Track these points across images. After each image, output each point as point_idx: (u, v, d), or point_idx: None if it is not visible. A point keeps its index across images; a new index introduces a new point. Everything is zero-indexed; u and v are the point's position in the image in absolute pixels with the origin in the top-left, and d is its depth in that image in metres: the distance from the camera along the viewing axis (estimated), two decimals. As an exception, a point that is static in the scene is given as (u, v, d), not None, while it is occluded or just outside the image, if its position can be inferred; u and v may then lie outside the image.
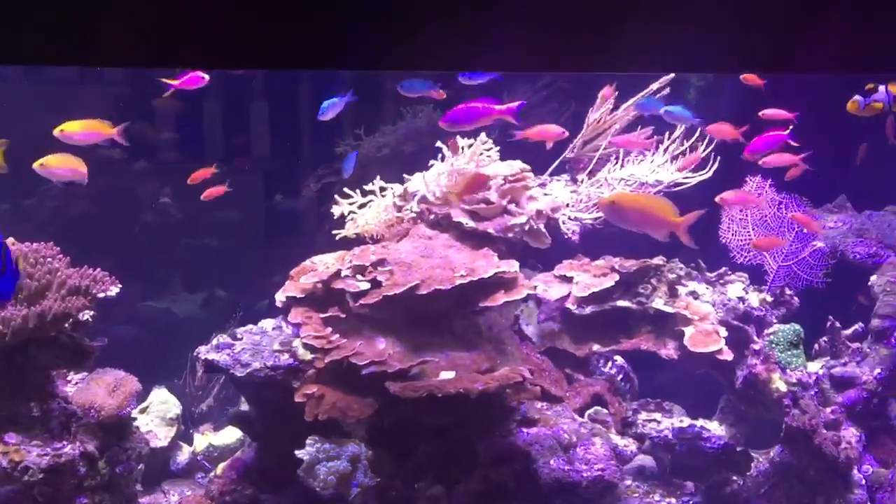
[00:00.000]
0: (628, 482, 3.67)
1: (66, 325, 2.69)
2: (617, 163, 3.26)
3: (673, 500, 3.58)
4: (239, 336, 2.85)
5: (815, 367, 3.14)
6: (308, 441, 3.20)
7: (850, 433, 3.01)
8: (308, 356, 2.72)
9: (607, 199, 2.50)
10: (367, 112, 4.92)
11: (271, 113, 5.04)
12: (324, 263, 3.03)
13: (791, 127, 2.98)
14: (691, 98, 4.40)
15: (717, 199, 2.91)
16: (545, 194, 3.29)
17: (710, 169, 3.20)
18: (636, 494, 3.63)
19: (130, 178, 4.83)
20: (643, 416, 3.51)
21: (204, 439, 3.37)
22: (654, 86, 3.27)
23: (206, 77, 3.20)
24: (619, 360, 3.64)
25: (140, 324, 4.65)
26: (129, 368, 3.48)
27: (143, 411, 3.38)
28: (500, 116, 2.88)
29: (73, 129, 2.78)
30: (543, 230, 3.21)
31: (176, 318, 4.72)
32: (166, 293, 4.87)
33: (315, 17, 1.58)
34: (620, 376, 3.62)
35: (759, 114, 3.01)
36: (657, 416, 3.54)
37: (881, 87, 2.61)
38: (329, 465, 3.19)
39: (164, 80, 3.20)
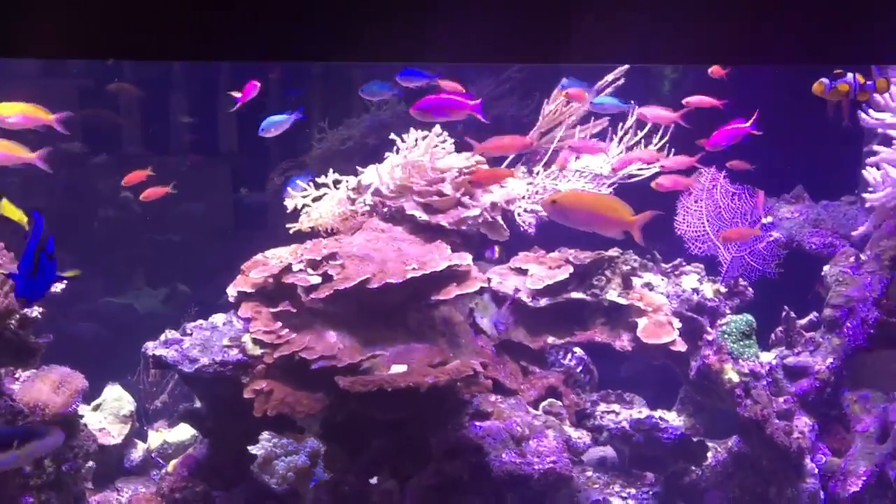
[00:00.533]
0: (589, 473, 3.68)
1: (12, 322, 2.65)
2: (572, 154, 3.25)
3: (633, 490, 3.59)
4: (188, 331, 2.82)
5: (770, 357, 3.15)
6: (265, 436, 3.18)
7: (803, 423, 3.02)
8: (257, 351, 2.70)
9: (548, 199, 2.41)
10: (333, 105, 4.90)
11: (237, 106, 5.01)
12: (277, 257, 3.00)
13: (752, 119, 2.98)
14: (666, 91, 4.40)
15: (653, 184, 2.92)
16: (501, 186, 3.27)
17: (663, 160, 3.20)
18: (596, 486, 3.64)
19: (91, 173, 4.78)
20: (602, 407, 3.52)
21: (158, 436, 3.34)
22: (610, 77, 3.27)
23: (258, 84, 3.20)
24: (579, 351, 3.65)
25: (100, 320, 4.60)
26: (87, 365, 3.43)
27: (96, 409, 3.34)
28: (470, 112, 2.88)
29: (5, 111, 2.71)
30: (501, 222, 3.20)
31: (137, 313, 4.68)
32: (128, 289, 4.83)
33: (265, 9, 1.57)
34: (580, 368, 3.63)
35: (683, 101, 3.02)
36: (616, 407, 3.55)
37: (849, 74, 2.62)
38: (287, 460, 3.17)
39: (232, 93, 3.19)
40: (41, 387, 2.67)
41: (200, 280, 4.73)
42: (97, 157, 4.81)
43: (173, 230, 4.93)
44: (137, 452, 3.34)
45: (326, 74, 5.00)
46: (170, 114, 5.01)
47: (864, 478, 2.92)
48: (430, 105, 2.84)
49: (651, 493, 3.54)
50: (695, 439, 3.35)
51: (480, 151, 3.04)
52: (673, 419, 3.49)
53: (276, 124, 3.20)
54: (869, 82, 2.57)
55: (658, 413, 3.48)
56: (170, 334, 2.78)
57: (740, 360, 2.96)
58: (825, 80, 2.53)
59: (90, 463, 2.98)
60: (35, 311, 2.79)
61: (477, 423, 2.82)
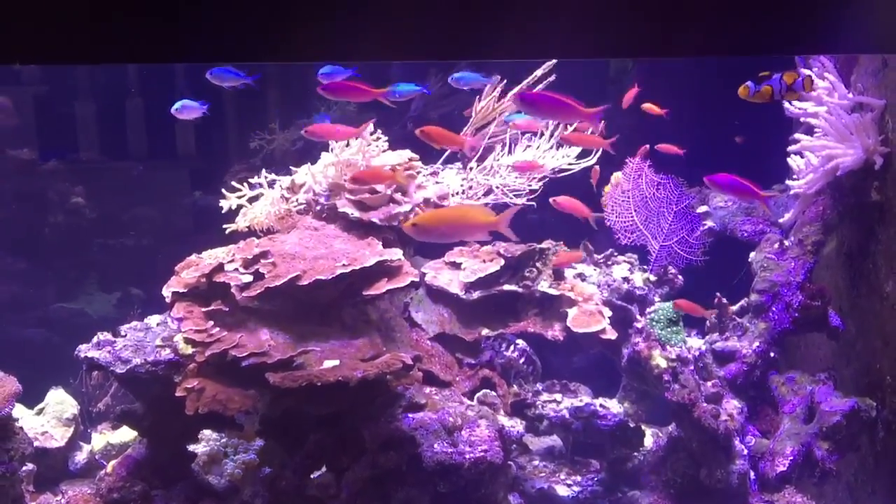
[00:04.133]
0: (536, 462, 3.75)
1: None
2: (504, 149, 3.31)
3: (578, 477, 3.65)
4: (122, 333, 2.84)
5: (700, 342, 3.22)
6: (212, 435, 3.22)
7: (732, 405, 3.10)
8: (189, 350, 2.73)
9: (409, 223, 2.47)
10: (284, 106, 4.94)
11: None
12: (213, 257, 3.04)
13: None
14: (627, 82, 4.47)
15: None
16: (436, 182, 3.33)
17: (594, 155, 3.26)
18: (543, 474, 3.70)
19: (40, 179, 4.78)
20: (545, 397, 3.58)
21: (102, 438, 3.36)
22: (539, 72, 3.33)
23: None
24: (521, 343, 3.71)
25: (51, 325, 4.61)
26: (36, 370, 3.45)
27: (39, 412, 3.36)
28: (585, 119, 2.67)
29: None
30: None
31: (90, 318, 4.69)
32: (80, 294, 4.83)
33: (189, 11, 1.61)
34: (522, 359, 3.68)
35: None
36: (558, 396, 3.61)
37: (776, 76, 2.70)
38: (237, 458, 3.21)
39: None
40: (-26, 391, 2.69)
41: (154, 283, 4.75)
42: (47, 163, 4.81)
43: (126, 234, 4.94)
44: (82, 455, 3.36)
45: (281, 74, 5.02)
46: (123, 118, 5.01)
47: (792, 457, 3.00)
48: (541, 100, 2.62)
49: (596, 479, 3.60)
50: (632, 425, 3.42)
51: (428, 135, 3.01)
52: (613, 406, 3.55)
53: (186, 108, 3.24)
54: (798, 80, 2.64)
55: (599, 401, 3.54)
56: (102, 336, 2.81)
57: (668, 347, 3.03)
58: (749, 84, 2.62)
59: (29, 466, 3.00)
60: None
61: (410, 415, 2.87)
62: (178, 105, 3.20)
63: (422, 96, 4.90)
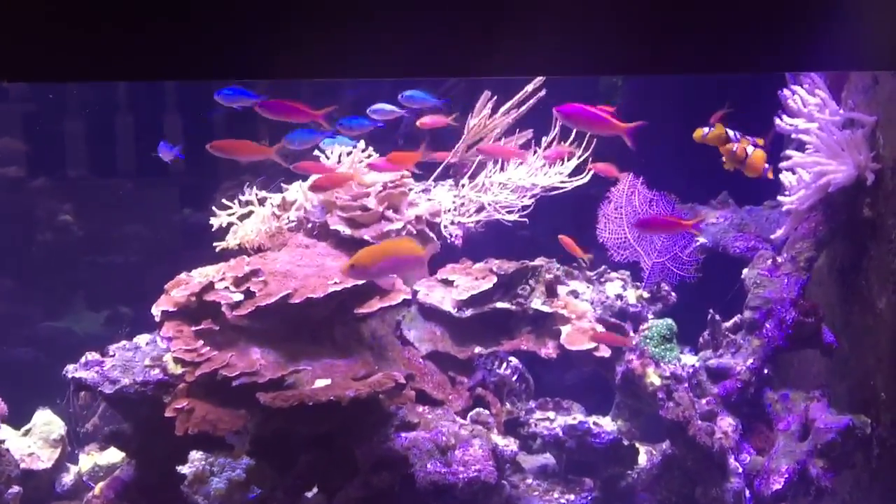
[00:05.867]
0: (529, 481, 3.71)
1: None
2: (496, 166, 3.30)
3: (572, 496, 3.62)
4: (111, 353, 2.81)
5: (694, 360, 3.21)
6: (200, 455, 3.17)
7: (727, 423, 3.08)
8: (178, 370, 2.70)
9: (346, 265, 2.47)
10: (278, 123, 4.92)
11: (183, 125, 5.00)
12: (203, 275, 3.01)
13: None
14: (617, 99, 4.47)
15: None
16: (428, 199, 3.31)
17: (587, 173, 3.26)
18: (536, 493, 3.67)
19: (28, 196, 4.75)
20: (538, 415, 3.55)
21: (90, 459, 3.31)
22: (529, 87, 3.32)
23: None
24: (514, 360, 3.68)
25: (39, 344, 4.56)
26: (22, 390, 3.39)
27: (26, 433, 3.31)
28: (621, 133, 2.62)
29: None
30: (431, 234, 3.24)
31: (77, 337, 4.64)
32: (68, 312, 4.78)
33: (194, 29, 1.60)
34: (515, 377, 3.66)
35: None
36: (551, 414, 3.58)
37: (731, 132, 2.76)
38: (224, 476, 3.17)
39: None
40: (-41, 413, 2.65)
41: (143, 302, 4.72)
42: (34, 181, 4.77)
43: (115, 252, 4.90)
44: (69, 476, 3.31)
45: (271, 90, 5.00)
46: (112, 134, 4.98)
47: (787, 475, 2.98)
48: (578, 113, 2.63)
49: (590, 497, 3.57)
50: (626, 443, 3.40)
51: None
52: (607, 424, 3.53)
53: (163, 149, 3.29)
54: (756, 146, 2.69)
55: (592, 419, 3.52)
56: (90, 356, 2.77)
57: (661, 364, 3.01)
58: (704, 130, 2.67)
59: (15, 488, 2.95)
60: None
61: (403, 435, 2.84)
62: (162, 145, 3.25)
63: (411, 113, 4.91)
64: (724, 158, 2.72)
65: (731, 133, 2.67)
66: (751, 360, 3.12)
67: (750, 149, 2.74)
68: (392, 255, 2.50)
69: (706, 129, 2.59)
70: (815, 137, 3.09)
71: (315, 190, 3.02)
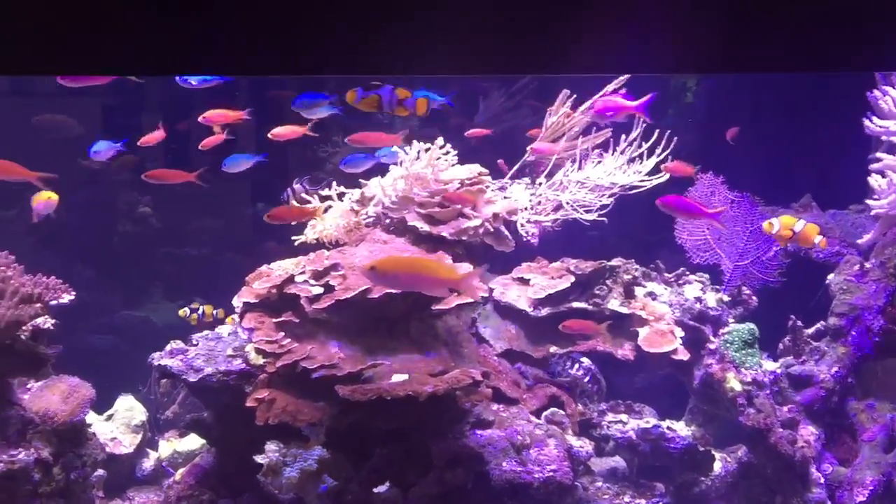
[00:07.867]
0: (599, 483, 3.68)
1: (23, 332, 2.72)
2: (574, 164, 3.27)
3: (643, 500, 3.58)
4: (194, 342, 2.87)
5: (775, 366, 3.14)
6: (271, 446, 3.22)
7: (809, 432, 3.01)
8: (260, 361, 2.74)
9: (367, 265, 2.41)
10: (353, 119, 4.97)
11: (256, 119, 5.09)
12: (282, 269, 3.05)
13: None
14: (689, 101, 4.41)
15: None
16: (504, 197, 3.30)
17: (664, 174, 3.20)
18: (606, 496, 3.63)
19: (110, 188, 4.88)
20: (610, 417, 3.52)
21: (169, 446, 3.39)
22: (610, 87, 3.28)
23: None
24: (587, 361, 3.65)
25: (118, 332, 4.69)
26: (103, 376, 3.49)
27: (109, 419, 3.41)
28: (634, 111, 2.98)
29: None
30: (506, 233, 3.22)
31: (155, 326, 4.76)
32: (146, 302, 4.91)
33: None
34: (587, 378, 3.63)
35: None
36: (624, 417, 3.54)
37: (387, 87, 2.71)
38: (296, 466, 3.21)
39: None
40: (50, 396, 2.74)
41: (218, 293, 4.81)
42: (117, 174, 4.90)
43: (191, 244, 5.01)
44: (149, 462, 3.40)
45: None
46: (189, 129, 5.09)
47: (871, 487, 2.89)
48: (603, 108, 2.99)
49: (662, 502, 3.52)
50: (701, 449, 3.34)
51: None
52: (681, 429, 3.47)
53: (235, 162, 3.35)
54: (408, 99, 2.68)
55: (666, 423, 3.47)
56: (175, 345, 2.84)
57: (742, 369, 2.95)
58: (358, 90, 2.66)
59: (100, 471, 3.04)
60: (47, 323, 2.86)
61: (478, 432, 2.84)
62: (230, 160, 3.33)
63: (486, 109, 4.90)
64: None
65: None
66: (835, 368, 3.04)
67: (799, 225, 2.82)
68: (416, 272, 2.48)
69: (360, 92, 2.55)
70: (908, 140, 2.99)
71: (271, 220, 3.07)
